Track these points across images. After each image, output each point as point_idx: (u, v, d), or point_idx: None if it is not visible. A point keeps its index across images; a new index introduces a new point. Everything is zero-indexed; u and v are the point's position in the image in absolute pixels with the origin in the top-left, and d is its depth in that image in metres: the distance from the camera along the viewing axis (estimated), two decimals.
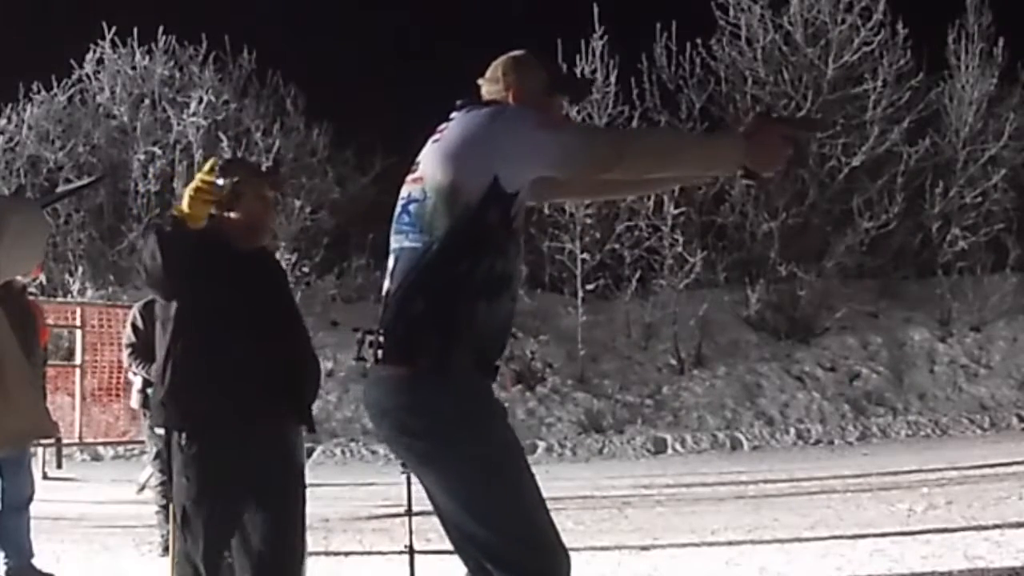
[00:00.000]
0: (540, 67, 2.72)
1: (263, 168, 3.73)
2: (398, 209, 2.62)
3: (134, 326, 6.18)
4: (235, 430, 3.37)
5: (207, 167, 3.36)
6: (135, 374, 6.29)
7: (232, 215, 3.45)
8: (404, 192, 2.62)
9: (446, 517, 2.54)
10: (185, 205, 3.31)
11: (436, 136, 2.60)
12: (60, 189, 2.67)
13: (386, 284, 2.61)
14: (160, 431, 3.54)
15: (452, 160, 2.49)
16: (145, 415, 6.28)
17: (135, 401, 6.43)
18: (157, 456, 6.13)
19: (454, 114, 2.63)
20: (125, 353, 6.29)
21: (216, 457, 3.35)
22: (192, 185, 3.32)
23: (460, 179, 2.47)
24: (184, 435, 3.38)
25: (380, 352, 2.52)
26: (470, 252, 2.48)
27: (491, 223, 2.48)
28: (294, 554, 3.48)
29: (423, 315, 2.48)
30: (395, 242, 2.60)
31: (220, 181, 3.32)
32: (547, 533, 2.48)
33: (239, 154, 16.72)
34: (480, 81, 2.74)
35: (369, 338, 2.55)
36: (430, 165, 2.54)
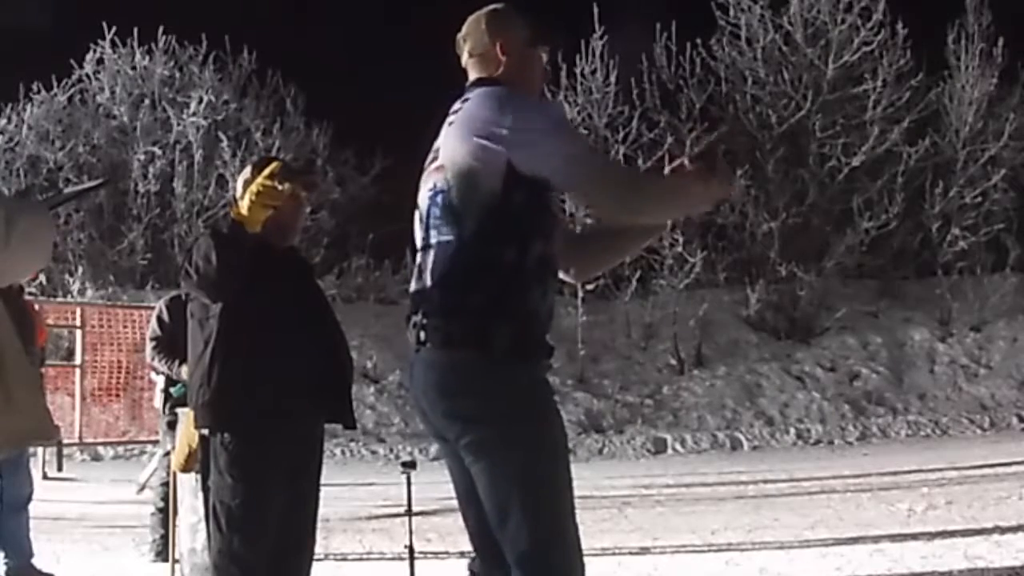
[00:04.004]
0: (521, 19, 2.69)
1: (296, 168, 3.72)
2: (425, 202, 2.56)
3: (160, 319, 6.09)
4: (281, 429, 3.41)
5: (268, 171, 3.34)
6: (158, 372, 6.21)
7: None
8: (429, 183, 2.56)
9: (481, 507, 2.49)
10: (245, 208, 3.31)
11: (451, 118, 2.56)
12: (66, 191, 2.66)
13: (422, 279, 2.53)
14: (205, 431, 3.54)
15: (469, 145, 2.45)
16: (164, 412, 6.20)
17: (158, 401, 6.35)
18: (168, 454, 6.08)
19: (467, 95, 2.59)
20: (149, 347, 6.16)
21: (263, 456, 3.39)
22: (253, 189, 3.32)
23: (478, 164, 2.43)
24: (228, 435, 3.40)
25: (446, 336, 2.44)
26: (514, 238, 2.44)
27: (520, 206, 2.43)
28: (311, 552, 3.60)
29: (490, 301, 2.43)
30: (432, 236, 2.52)
31: (280, 185, 3.31)
32: (574, 534, 2.49)
33: (239, 154, 16.74)
34: (460, 35, 2.70)
35: (433, 322, 2.46)
36: (449, 151, 2.51)
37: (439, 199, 2.50)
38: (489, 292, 2.43)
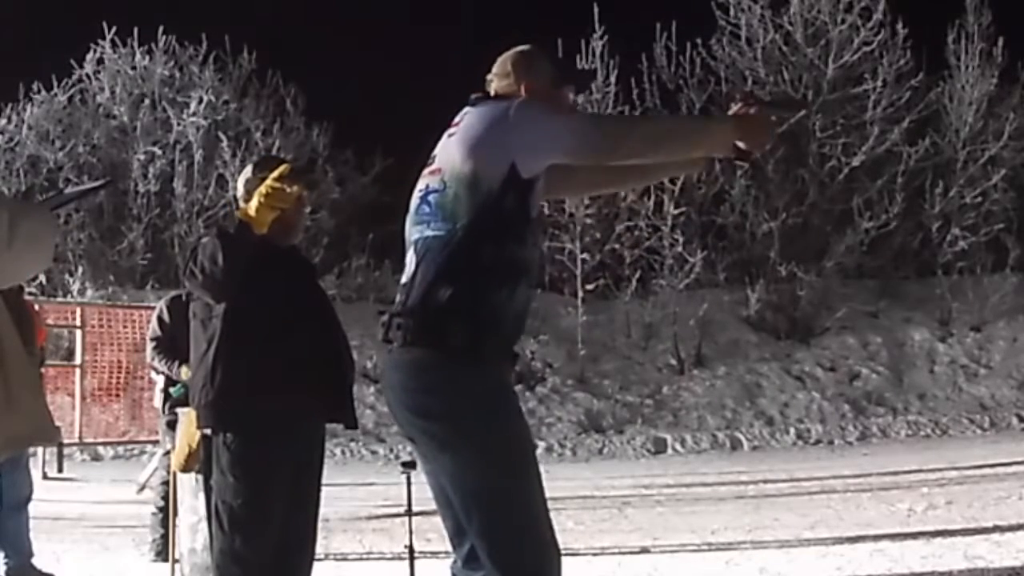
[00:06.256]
0: (547, 60, 2.80)
1: (300, 168, 3.75)
2: (416, 201, 2.66)
3: (160, 320, 6.09)
4: (283, 429, 3.42)
5: (277, 173, 3.35)
6: (157, 372, 6.21)
7: None
8: (421, 184, 2.66)
9: (451, 502, 2.57)
10: (252, 210, 3.32)
11: (451, 130, 2.65)
12: (68, 192, 2.66)
13: (407, 274, 2.63)
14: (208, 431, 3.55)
15: (472, 149, 2.55)
16: (164, 412, 6.20)
17: (158, 400, 6.35)
18: (167, 453, 6.07)
19: (468, 108, 2.68)
20: (149, 347, 6.17)
21: (265, 456, 3.40)
22: (262, 191, 3.33)
23: (480, 167, 2.53)
24: (231, 435, 3.41)
25: (407, 335, 2.54)
26: (493, 238, 2.53)
27: (510, 210, 2.54)
28: (312, 552, 3.60)
29: (451, 300, 2.52)
30: (416, 232, 2.62)
31: (288, 188, 3.32)
32: (545, 530, 2.53)
33: (239, 154, 16.74)
34: (489, 76, 2.80)
35: (397, 320, 2.57)
36: (448, 156, 2.60)
37: (430, 198, 2.60)
38: (450, 292, 2.52)
